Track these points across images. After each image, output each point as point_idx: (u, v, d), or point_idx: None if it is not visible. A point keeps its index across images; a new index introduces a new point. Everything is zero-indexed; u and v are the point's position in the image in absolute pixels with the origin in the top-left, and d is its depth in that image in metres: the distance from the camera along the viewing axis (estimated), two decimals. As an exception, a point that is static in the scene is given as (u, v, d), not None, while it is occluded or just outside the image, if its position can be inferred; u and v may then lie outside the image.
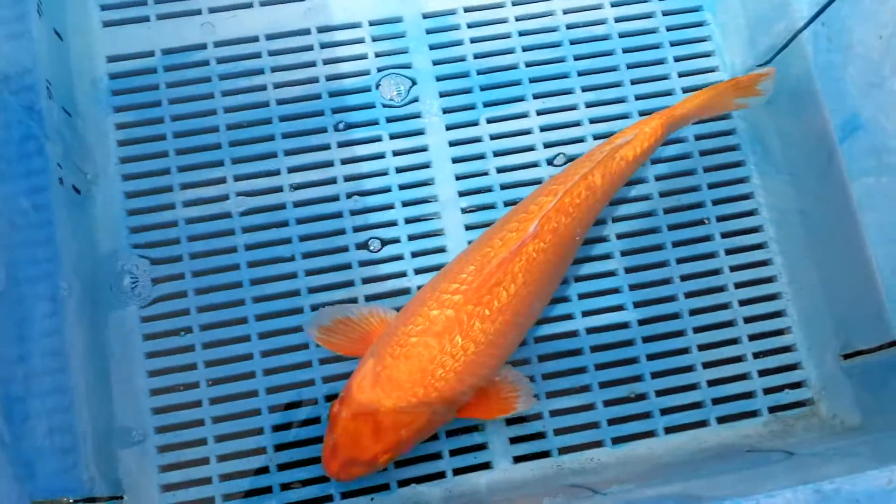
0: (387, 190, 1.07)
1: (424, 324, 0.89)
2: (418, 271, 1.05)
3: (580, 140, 1.10)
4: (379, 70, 1.10)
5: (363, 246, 1.05)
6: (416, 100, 1.10)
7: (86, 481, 0.90)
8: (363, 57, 1.11)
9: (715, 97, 1.02)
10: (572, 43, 1.13)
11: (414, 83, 1.10)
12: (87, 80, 1.07)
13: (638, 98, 1.11)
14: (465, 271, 0.90)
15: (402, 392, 0.88)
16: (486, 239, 0.93)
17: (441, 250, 1.06)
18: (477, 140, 1.10)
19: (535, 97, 1.11)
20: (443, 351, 0.88)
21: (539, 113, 1.11)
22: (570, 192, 0.93)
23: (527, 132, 1.10)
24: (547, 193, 0.94)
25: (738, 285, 1.07)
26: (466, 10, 1.13)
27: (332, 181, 1.07)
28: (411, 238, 1.06)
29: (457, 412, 0.93)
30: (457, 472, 0.99)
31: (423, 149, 1.09)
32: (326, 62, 1.10)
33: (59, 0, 1.05)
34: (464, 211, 1.08)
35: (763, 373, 1.04)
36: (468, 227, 1.07)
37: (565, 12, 1.13)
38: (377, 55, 1.11)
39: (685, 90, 1.12)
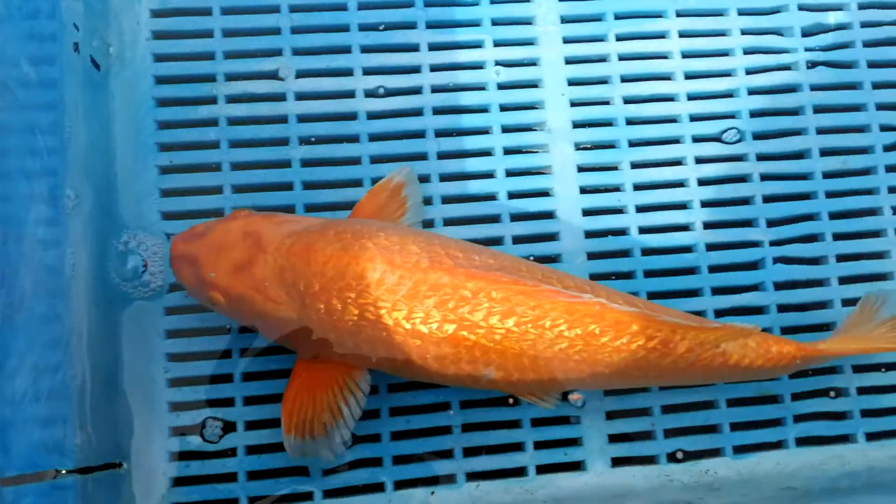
0: (484, 110, 0.86)
1: (400, 255, 0.70)
2: (514, 217, 0.84)
3: (727, 74, 0.89)
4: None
5: (449, 178, 0.84)
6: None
7: (78, 445, 0.71)
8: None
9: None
10: (732, -47, 0.91)
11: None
12: (119, -73, 0.85)
13: (808, 49, 0.89)
14: (481, 254, 0.73)
15: (313, 275, 0.70)
16: (530, 264, 0.75)
17: (545, 193, 0.85)
18: (601, 59, 0.89)
19: (679, 15, 0.89)
20: (372, 283, 0.69)
21: (682, 35, 0.89)
22: (641, 320, 0.70)
23: (663, 56, 0.89)
24: (626, 300, 0.74)
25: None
26: None
27: (418, 91, 0.86)
28: (509, 174, 0.85)
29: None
30: (540, 469, 0.82)
31: (533, 63, 0.88)
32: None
33: None
34: (577, 147, 0.86)
35: (929, 384, 0.85)
36: (581, 169, 0.85)
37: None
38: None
39: None
